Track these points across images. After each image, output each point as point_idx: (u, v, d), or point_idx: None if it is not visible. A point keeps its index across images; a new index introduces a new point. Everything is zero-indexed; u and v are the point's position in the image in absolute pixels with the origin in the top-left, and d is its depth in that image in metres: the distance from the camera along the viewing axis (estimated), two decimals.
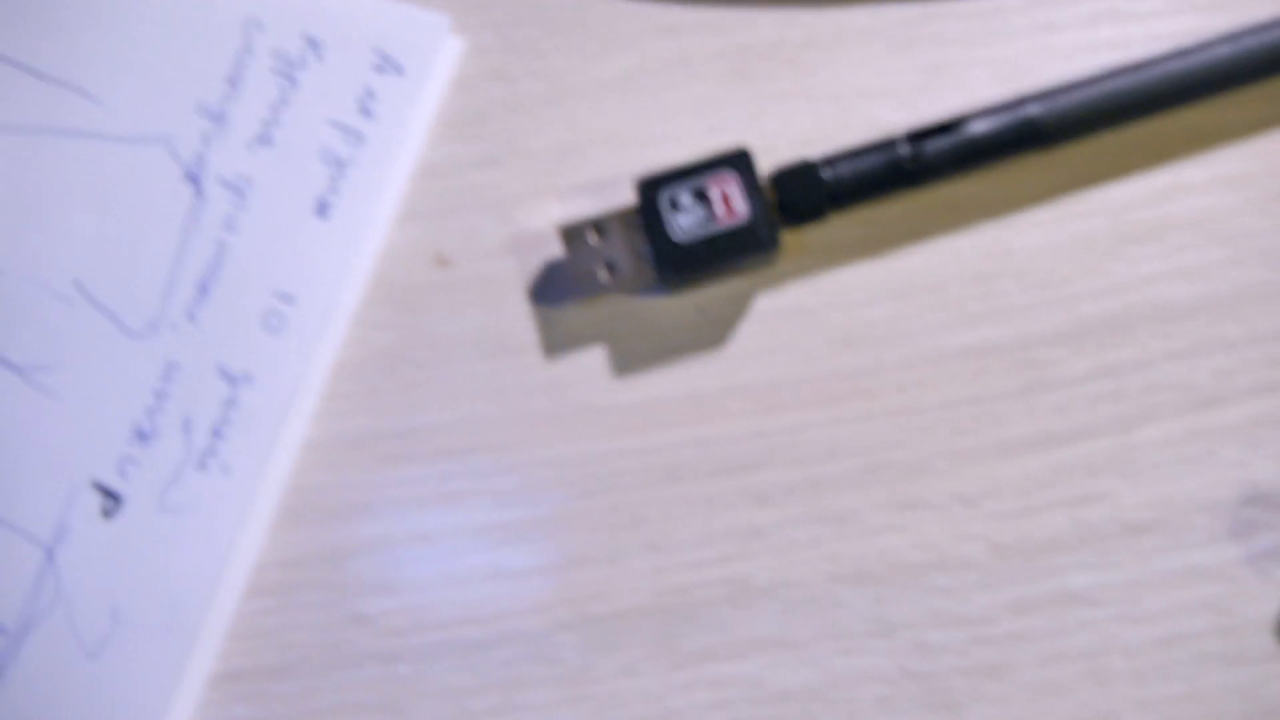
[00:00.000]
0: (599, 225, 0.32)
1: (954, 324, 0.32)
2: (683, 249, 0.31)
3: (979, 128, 0.31)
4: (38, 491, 0.31)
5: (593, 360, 0.32)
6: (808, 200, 0.31)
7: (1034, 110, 0.32)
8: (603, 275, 0.31)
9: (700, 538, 0.32)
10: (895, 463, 0.32)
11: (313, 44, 0.34)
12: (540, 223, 0.33)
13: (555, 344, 0.32)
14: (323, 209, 0.33)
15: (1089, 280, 0.32)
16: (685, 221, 0.31)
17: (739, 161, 0.31)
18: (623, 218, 0.32)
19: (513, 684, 0.31)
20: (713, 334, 0.32)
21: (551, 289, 0.33)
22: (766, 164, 0.32)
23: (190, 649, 0.31)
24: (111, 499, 0.31)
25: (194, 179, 0.33)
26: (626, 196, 0.32)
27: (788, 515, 0.32)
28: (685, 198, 0.31)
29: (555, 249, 0.33)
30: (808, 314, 0.32)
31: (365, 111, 0.33)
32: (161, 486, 0.31)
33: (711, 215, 0.31)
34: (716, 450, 0.32)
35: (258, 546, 0.32)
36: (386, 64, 0.33)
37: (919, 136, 0.31)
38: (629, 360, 0.32)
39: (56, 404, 0.32)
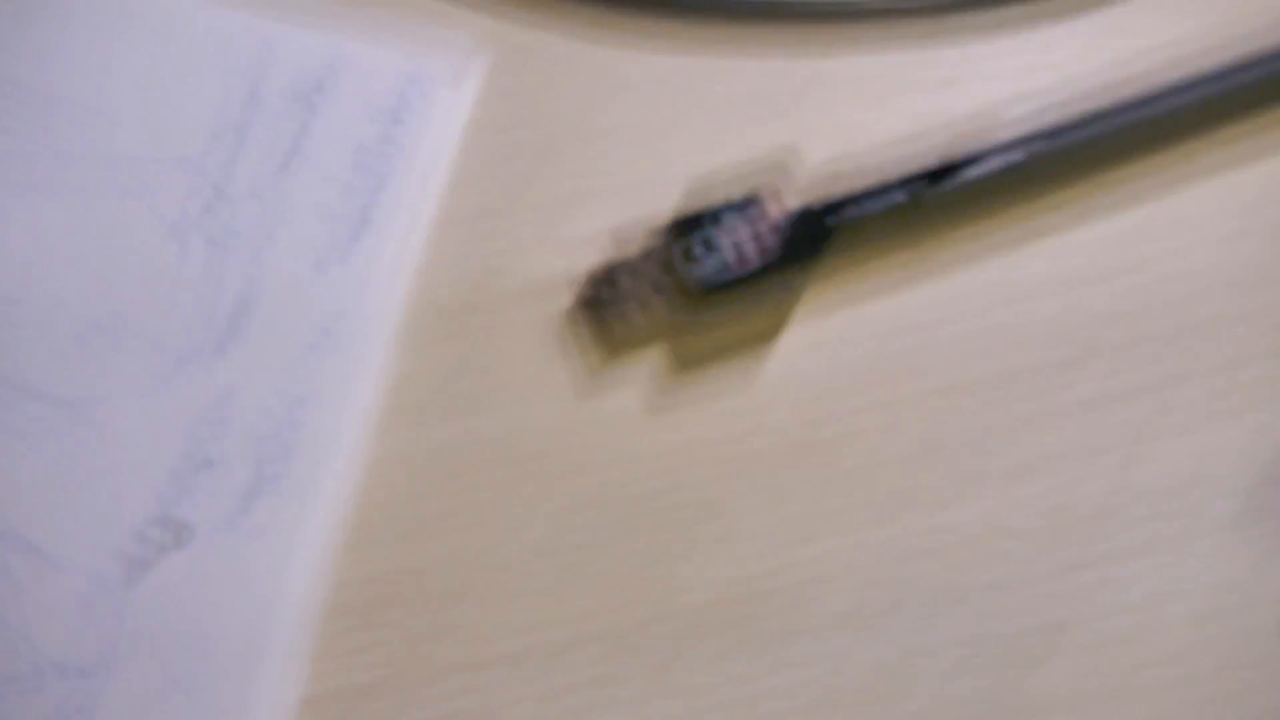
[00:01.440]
0: (632, 261, 0.33)
1: (975, 354, 0.33)
2: (713, 280, 0.32)
3: (978, 170, 0.33)
4: (107, 527, 0.31)
5: (635, 384, 0.33)
6: (814, 242, 0.32)
7: (1026, 152, 0.33)
8: (638, 307, 0.32)
9: (769, 527, 0.32)
10: (950, 440, 0.33)
11: (331, 87, 0.34)
12: (566, 261, 0.33)
13: (597, 370, 0.33)
14: (354, 240, 0.33)
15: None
16: (706, 262, 0.32)
17: (762, 197, 0.32)
18: (655, 253, 0.32)
19: (605, 680, 0.31)
20: (737, 361, 0.33)
21: (590, 320, 0.33)
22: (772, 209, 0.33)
23: (275, 671, 0.30)
24: (183, 528, 0.31)
25: (224, 199, 0.32)
26: (648, 234, 0.33)
27: (852, 500, 0.32)
28: (713, 233, 0.32)
29: (585, 286, 0.33)
30: (826, 343, 0.33)
31: (387, 154, 0.34)
32: (231, 512, 0.31)
33: (729, 256, 0.32)
34: (770, 441, 0.33)
35: (335, 566, 0.31)
36: (405, 107, 0.34)
37: (924, 178, 0.33)
38: (671, 382, 0.33)
39: (113, 437, 0.31)
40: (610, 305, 0.32)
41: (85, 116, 0.33)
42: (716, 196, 0.32)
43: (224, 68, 0.34)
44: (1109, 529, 0.33)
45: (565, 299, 0.33)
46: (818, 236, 0.32)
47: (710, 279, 0.31)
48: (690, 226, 0.32)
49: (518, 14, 0.35)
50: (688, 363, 0.33)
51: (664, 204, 0.33)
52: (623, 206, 0.34)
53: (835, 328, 0.33)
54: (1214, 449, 0.33)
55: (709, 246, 0.31)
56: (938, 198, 0.32)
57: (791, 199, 0.32)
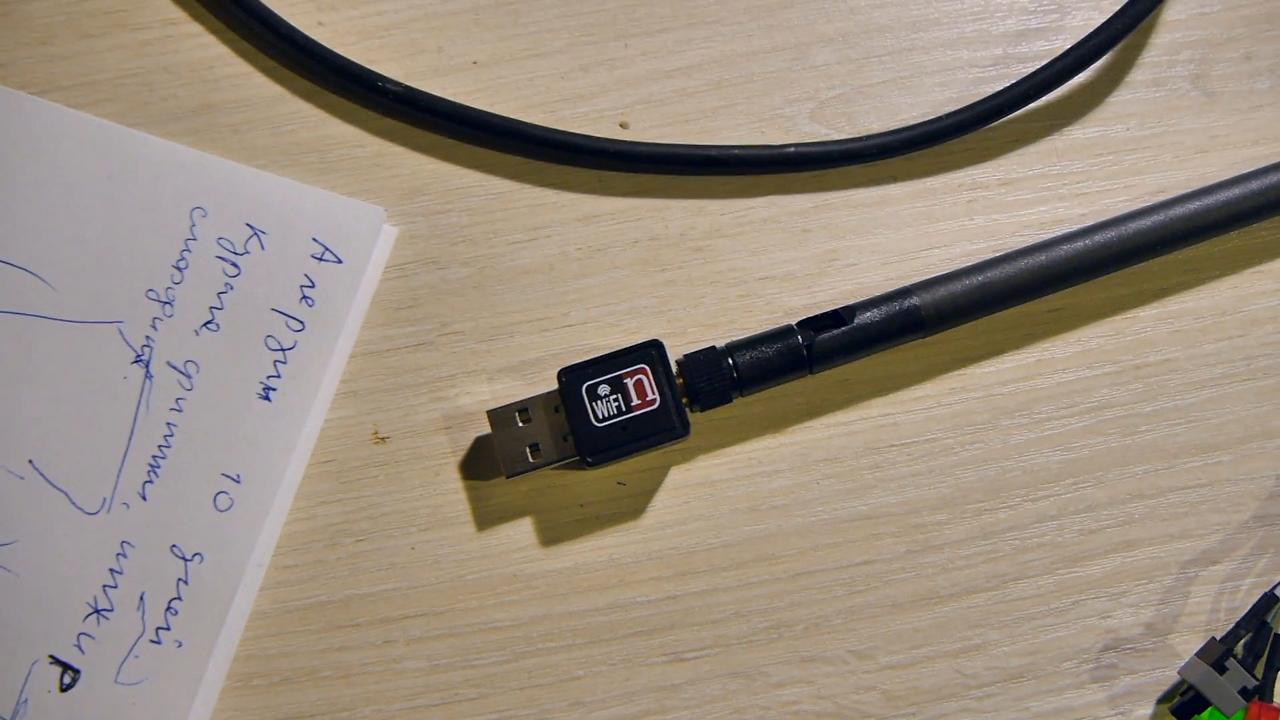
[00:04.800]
0: (523, 409, 0.35)
1: (849, 493, 0.36)
2: (601, 433, 0.34)
3: (867, 318, 0.35)
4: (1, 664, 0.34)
5: (521, 531, 0.35)
6: (713, 387, 0.34)
7: (915, 301, 0.35)
8: (529, 455, 0.34)
9: (622, 694, 0.34)
10: (796, 621, 0.35)
11: (256, 233, 0.36)
12: (470, 402, 0.36)
13: (486, 516, 0.35)
14: (267, 392, 0.35)
15: (967, 450, 0.36)
16: (603, 408, 0.34)
17: (652, 352, 0.34)
18: (545, 401, 0.35)
19: None
20: (632, 505, 0.35)
21: (482, 464, 0.36)
22: (676, 344, 0.36)
23: None
24: (69, 672, 0.33)
25: (143, 362, 0.35)
26: (550, 375, 0.35)
27: (700, 672, 0.35)
28: (603, 386, 0.34)
29: (485, 426, 0.35)
30: (717, 486, 0.36)
31: (306, 299, 0.36)
32: (118, 660, 0.34)
33: (627, 402, 0.34)
34: (635, 613, 0.35)
35: (209, 713, 0.34)
36: (326, 253, 0.36)
37: (813, 327, 0.35)
38: (555, 530, 0.35)
39: (14, 579, 0.34)
40: (512, 445, 0.34)
41: (20, 273, 0.36)
42: (622, 334, 0.35)
43: (155, 227, 0.36)
44: (948, 707, 0.35)
45: (469, 435, 0.36)
46: (716, 380, 0.34)
47: (610, 419, 0.34)
48: (593, 370, 0.34)
49: (444, 163, 0.38)
50: (562, 528, 0.35)
51: (574, 347, 0.36)
52: (537, 345, 0.36)
53: (701, 504, 0.36)
54: (1049, 639, 0.35)
55: (609, 390, 0.34)
56: (834, 344, 0.35)
57: (697, 342, 0.36)
